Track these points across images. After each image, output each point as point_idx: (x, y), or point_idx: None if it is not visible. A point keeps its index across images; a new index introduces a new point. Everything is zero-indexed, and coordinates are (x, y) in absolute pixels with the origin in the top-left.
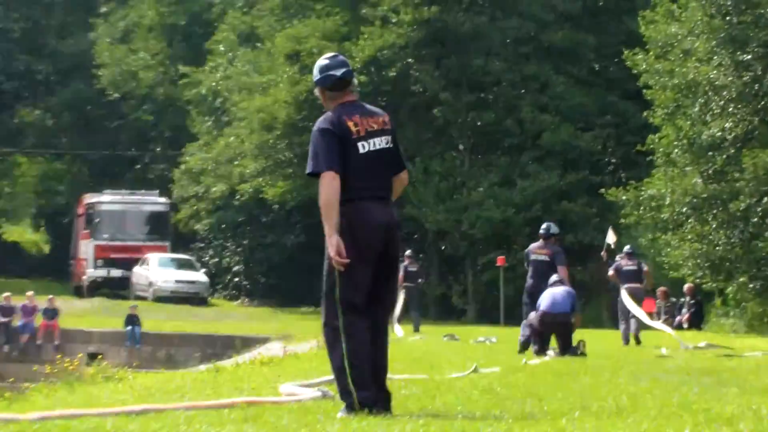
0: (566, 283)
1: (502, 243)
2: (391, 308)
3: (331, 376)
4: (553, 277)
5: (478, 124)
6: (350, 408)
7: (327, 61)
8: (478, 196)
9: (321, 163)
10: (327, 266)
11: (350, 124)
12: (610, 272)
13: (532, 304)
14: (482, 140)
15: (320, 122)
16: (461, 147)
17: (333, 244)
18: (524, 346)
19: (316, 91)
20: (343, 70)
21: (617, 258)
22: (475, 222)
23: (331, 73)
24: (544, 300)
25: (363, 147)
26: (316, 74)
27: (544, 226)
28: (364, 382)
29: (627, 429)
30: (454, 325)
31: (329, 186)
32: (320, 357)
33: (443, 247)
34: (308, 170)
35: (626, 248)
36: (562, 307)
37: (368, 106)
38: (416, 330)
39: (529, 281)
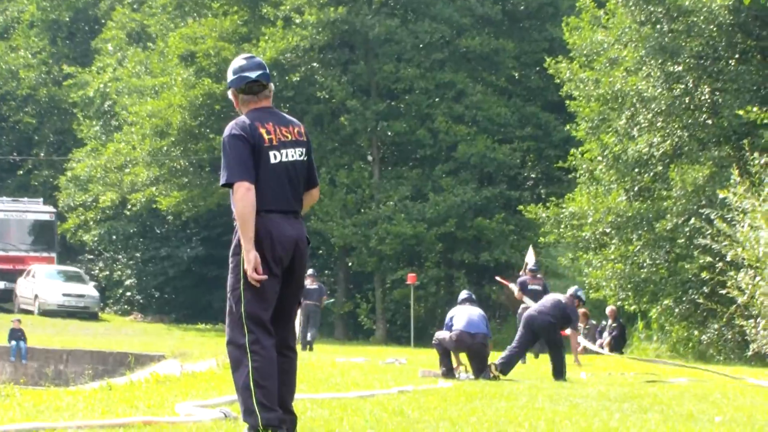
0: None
1: (413, 260)
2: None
3: (231, 397)
4: (463, 294)
5: (389, 133)
6: (253, 430)
7: (242, 62)
8: (388, 210)
9: (234, 173)
10: (232, 281)
11: (263, 131)
12: (516, 291)
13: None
14: (393, 151)
15: (232, 127)
16: (370, 158)
17: (250, 259)
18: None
19: (229, 94)
20: (259, 72)
21: (520, 274)
22: (385, 237)
23: (246, 74)
24: (460, 319)
25: (275, 157)
26: (229, 75)
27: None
28: (269, 402)
29: None
30: (362, 345)
31: (244, 197)
32: (219, 377)
33: (350, 263)
34: (222, 181)
35: (531, 265)
36: (479, 327)
37: (283, 114)
38: (309, 348)
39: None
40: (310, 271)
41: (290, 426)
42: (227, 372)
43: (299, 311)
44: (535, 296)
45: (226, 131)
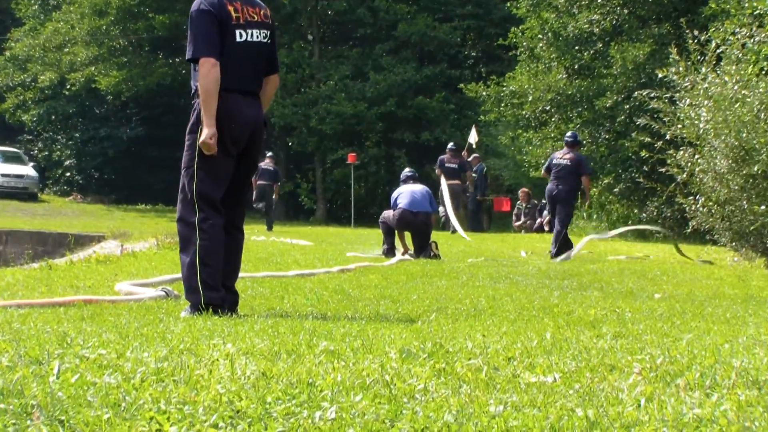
0: (586, 192)
1: (353, 139)
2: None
3: (171, 276)
4: (406, 172)
5: (329, 12)
6: (194, 308)
7: None
8: (328, 90)
9: (200, 48)
10: (187, 158)
11: (231, 8)
12: (437, 169)
13: (550, 206)
14: (333, 30)
15: (200, 2)
16: (310, 37)
17: (209, 135)
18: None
19: None
20: None
21: (464, 153)
22: (325, 117)
23: None
24: (404, 197)
25: (240, 35)
26: None
27: (569, 133)
28: (213, 282)
29: (485, 331)
30: (303, 226)
31: (209, 73)
32: (159, 257)
33: (290, 143)
34: (188, 56)
35: (450, 145)
36: (422, 205)
37: None
38: (269, 229)
39: (548, 185)
40: (269, 153)
41: (231, 305)
42: (167, 252)
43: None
44: (452, 174)
45: (194, 6)
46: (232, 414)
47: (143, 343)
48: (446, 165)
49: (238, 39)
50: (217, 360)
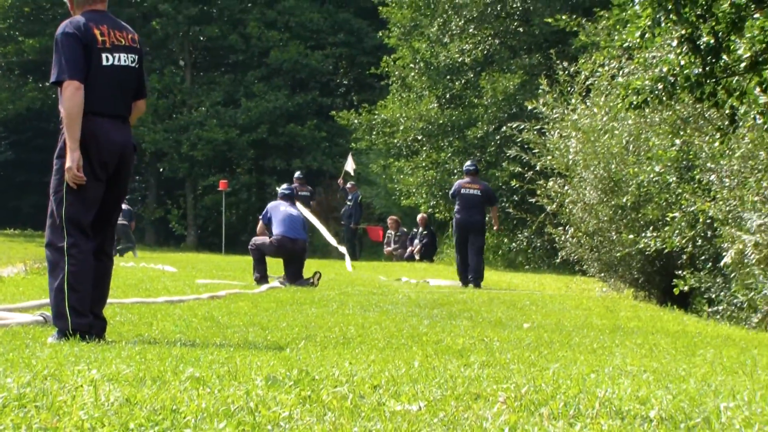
0: (495, 221)
1: (224, 166)
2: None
3: (38, 301)
4: (284, 189)
5: (201, 38)
6: (62, 334)
7: None
8: (200, 116)
9: (65, 71)
10: (55, 183)
11: (97, 32)
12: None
13: (459, 239)
14: (205, 56)
15: (65, 26)
16: (182, 62)
17: (74, 159)
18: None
19: None
20: None
21: (339, 182)
22: (196, 143)
23: None
24: (282, 223)
25: (107, 59)
26: None
27: (469, 162)
28: (82, 308)
29: (353, 359)
30: (174, 251)
31: (73, 96)
32: (27, 281)
33: (161, 169)
34: (52, 78)
35: (296, 174)
36: (300, 233)
37: (118, 20)
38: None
39: (459, 215)
40: None
41: (99, 331)
42: (35, 277)
43: None
44: (305, 202)
45: (60, 29)
46: None
47: (7, 368)
48: (299, 194)
49: (104, 62)
50: (81, 386)
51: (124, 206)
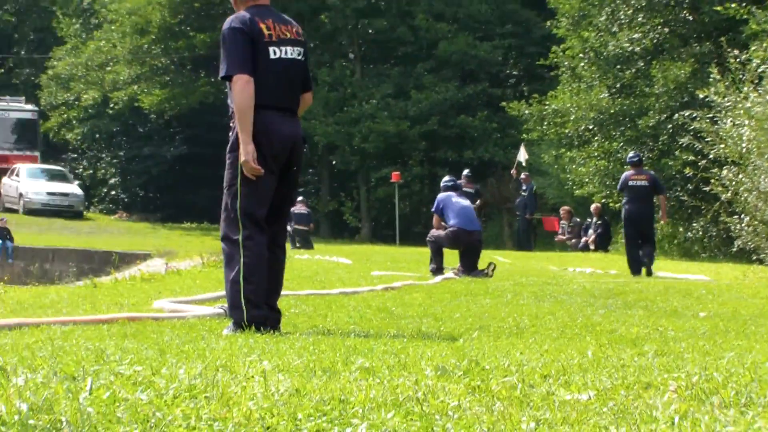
0: (663, 211)
1: (396, 158)
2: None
3: (214, 294)
4: (447, 180)
5: (370, 31)
6: (237, 325)
7: None
8: (371, 108)
9: (234, 65)
10: (229, 177)
11: (263, 26)
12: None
13: (629, 232)
14: (374, 49)
15: (231, 21)
16: (351, 56)
17: (249, 151)
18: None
19: None
20: None
21: (512, 173)
22: (368, 135)
23: None
24: (456, 215)
25: (274, 53)
26: None
27: (632, 154)
28: (257, 299)
29: (527, 349)
30: (348, 244)
31: (243, 90)
32: (204, 275)
33: (334, 162)
34: (221, 74)
35: (465, 171)
36: (476, 224)
37: (281, 14)
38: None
39: (628, 206)
40: (299, 198)
41: (274, 323)
42: (212, 270)
43: (290, 236)
44: (470, 197)
45: (226, 24)
46: (262, 430)
47: (180, 359)
48: (464, 190)
49: (271, 56)
50: (252, 377)
51: (304, 210)
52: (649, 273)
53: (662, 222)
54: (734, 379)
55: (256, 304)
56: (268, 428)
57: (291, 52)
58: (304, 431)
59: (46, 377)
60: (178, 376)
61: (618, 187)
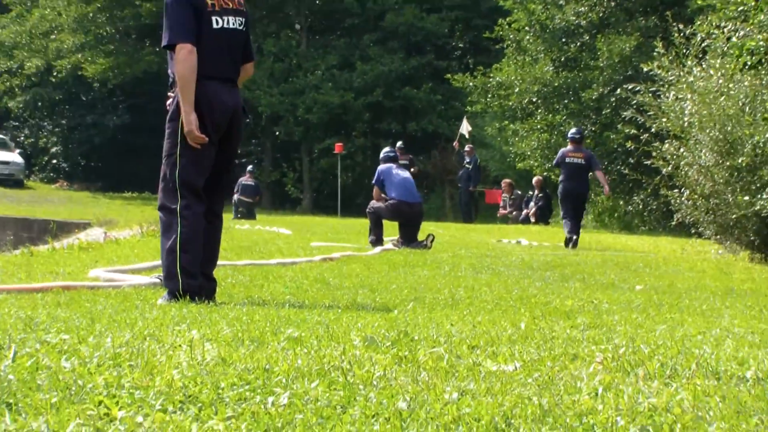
0: (605, 185)
1: (340, 129)
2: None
3: (149, 263)
4: (387, 151)
5: (317, 2)
6: (172, 295)
7: None
8: (316, 79)
9: (177, 35)
10: (168, 146)
11: None
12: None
13: (566, 207)
14: (320, 20)
15: None
16: (298, 26)
17: (191, 121)
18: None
19: None
20: None
21: (454, 145)
22: (312, 106)
23: None
24: (397, 186)
25: (217, 22)
26: None
27: (574, 130)
28: (193, 269)
29: (460, 321)
30: (290, 215)
31: (186, 60)
32: (142, 244)
33: (277, 132)
34: (164, 42)
35: (398, 144)
36: (417, 197)
37: None
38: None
39: (564, 183)
40: (249, 168)
41: (209, 292)
42: (151, 239)
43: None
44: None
45: None
46: (183, 399)
47: (110, 328)
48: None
49: (214, 26)
50: (179, 346)
51: (251, 182)
52: (575, 245)
53: (605, 195)
54: (661, 351)
55: (191, 273)
56: (189, 396)
57: (233, 22)
58: (226, 399)
59: None
60: (104, 344)
61: (554, 162)
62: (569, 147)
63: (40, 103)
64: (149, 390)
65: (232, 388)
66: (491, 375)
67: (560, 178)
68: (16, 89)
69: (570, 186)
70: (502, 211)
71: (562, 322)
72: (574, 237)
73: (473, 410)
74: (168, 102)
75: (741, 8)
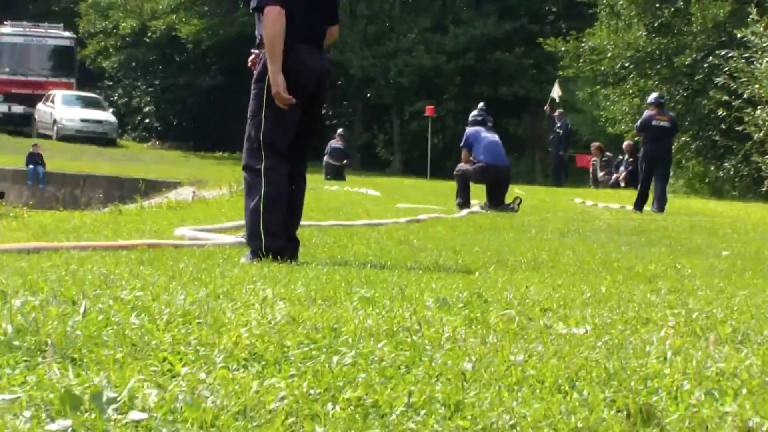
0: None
1: (431, 92)
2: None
3: (235, 223)
4: (477, 114)
5: None
6: (254, 254)
7: None
8: (408, 42)
9: None
10: (254, 107)
11: None
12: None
13: (650, 168)
14: None
15: None
16: None
17: (279, 83)
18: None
19: None
20: None
21: (546, 109)
22: (404, 69)
23: None
24: (485, 149)
25: None
26: None
27: (656, 95)
28: (276, 229)
29: (541, 284)
30: (379, 176)
31: (275, 22)
32: (230, 203)
33: (368, 95)
34: (252, 4)
35: (339, 131)
36: (505, 160)
37: None
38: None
39: (649, 146)
40: (340, 131)
41: (292, 252)
42: (239, 199)
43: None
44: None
45: None
46: (248, 356)
47: (186, 286)
48: (333, 146)
49: None
50: (252, 304)
51: (340, 145)
52: (662, 209)
53: None
54: (735, 316)
55: (275, 233)
56: (254, 354)
57: None
58: (291, 358)
59: (44, 300)
60: (176, 301)
61: (638, 126)
62: (653, 111)
63: (134, 64)
64: (215, 347)
65: (298, 346)
66: (561, 338)
67: (644, 140)
68: (111, 49)
69: (656, 148)
70: (591, 176)
71: (643, 287)
72: (657, 205)
73: (537, 372)
74: (250, 59)
75: None
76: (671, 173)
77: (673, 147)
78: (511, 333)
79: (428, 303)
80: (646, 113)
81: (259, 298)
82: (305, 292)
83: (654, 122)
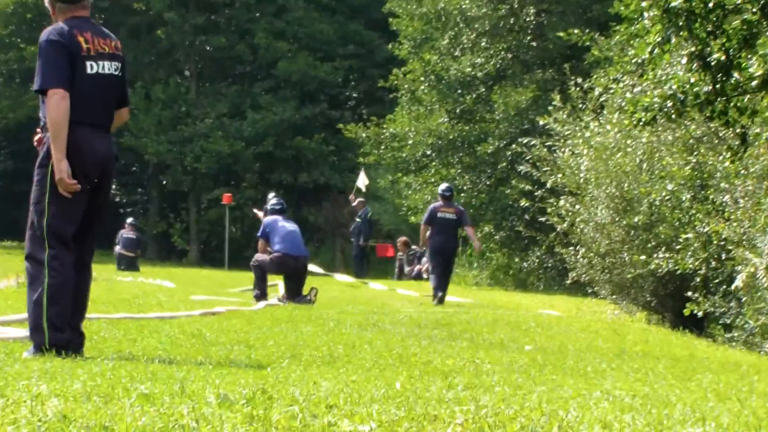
0: (475, 241)
1: (229, 179)
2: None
3: (23, 315)
4: (274, 203)
5: (207, 48)
6: (38, 349)
7: None
8: (205, 128)
9: (49, 79)
10: (37, 194)
11: (81, 39)
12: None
13: (436, 262)
14: (211, 66)
15: (49, 33)
16: (187, 73)
17: (62, 168)
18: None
19: (46, 2)
20: None
21: (351, 197)
22: (201, 155)
23: None
24: (283, 239)
25: (91, 68)
26: None
27: (444, 186)
28: (60, 322)
29: (334, 379)
30: (175, 266)
31: (59, 105)
32: (17, 294)
33: (164, 182)
34: (36, 86)
35: (129, 220)
36: (303, 250)
37: (101, 27)
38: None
39: (435, 238)
40: (129, 220)
41: (77, 346)
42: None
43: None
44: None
45: (43, 36)
46: None
47: None
48: (124, 236)
49: (89, 71)
50: (25, 401)
51: (132, 235)
52: (442, 301)
53: (476, 251)
54: (524, 413)
55: (59, 327)
56: None
57: (108, 67)
58: None
59: None
60: None
61: (424, 218)
62: (440, 203)
63: None
64: None
65: None
66: None
67: (429, 233)
68: None
69: (440, 241)
70: (406, 269)
71: (439, 382)
72: (440, 294)
73: None
74: (36, 138)
75: (635, 60)
76: (475, 264)
77: (458, 239)
78: (294, 431)
79: (210, 399)
80: (432, 205)
81: (32, 394)
82: (82, 388)
83: (440, 214)
